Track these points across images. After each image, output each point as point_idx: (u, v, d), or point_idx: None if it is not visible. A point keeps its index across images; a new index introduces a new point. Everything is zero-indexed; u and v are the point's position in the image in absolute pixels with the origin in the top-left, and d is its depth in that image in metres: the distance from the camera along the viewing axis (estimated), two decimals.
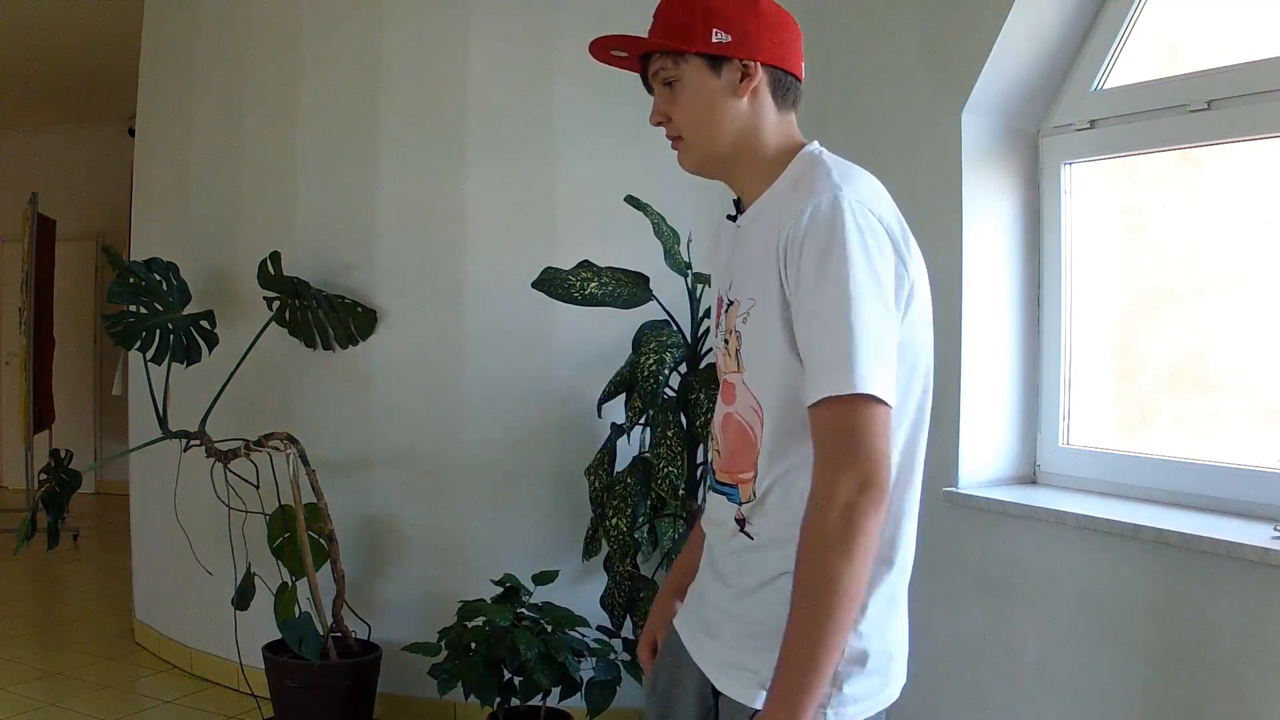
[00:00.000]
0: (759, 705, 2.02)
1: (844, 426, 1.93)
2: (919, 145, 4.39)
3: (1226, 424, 3.83)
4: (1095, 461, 4.06)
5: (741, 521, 2.17)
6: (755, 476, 2.14)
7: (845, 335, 1.92)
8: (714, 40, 2.10)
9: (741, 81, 2.15)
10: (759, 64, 2.16)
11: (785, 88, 2.22)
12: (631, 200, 4.23)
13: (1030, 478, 4.28)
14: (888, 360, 1.97)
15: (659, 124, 2.21)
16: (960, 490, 4.16)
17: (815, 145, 2.24)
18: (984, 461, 4.23)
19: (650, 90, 2.23)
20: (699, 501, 4.15)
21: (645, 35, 2.19)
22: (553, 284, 4.29)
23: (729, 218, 2.29)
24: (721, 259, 2.30)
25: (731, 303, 2.19)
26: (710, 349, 4.17)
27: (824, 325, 1.94)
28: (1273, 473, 3.47)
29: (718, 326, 2.27)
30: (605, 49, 2.22)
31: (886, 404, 1.96)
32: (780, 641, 1.97)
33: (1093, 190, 4.15)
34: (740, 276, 2.17)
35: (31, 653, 6.36)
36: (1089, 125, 4.05)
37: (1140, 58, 3.92)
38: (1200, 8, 3.85)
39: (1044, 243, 4.25)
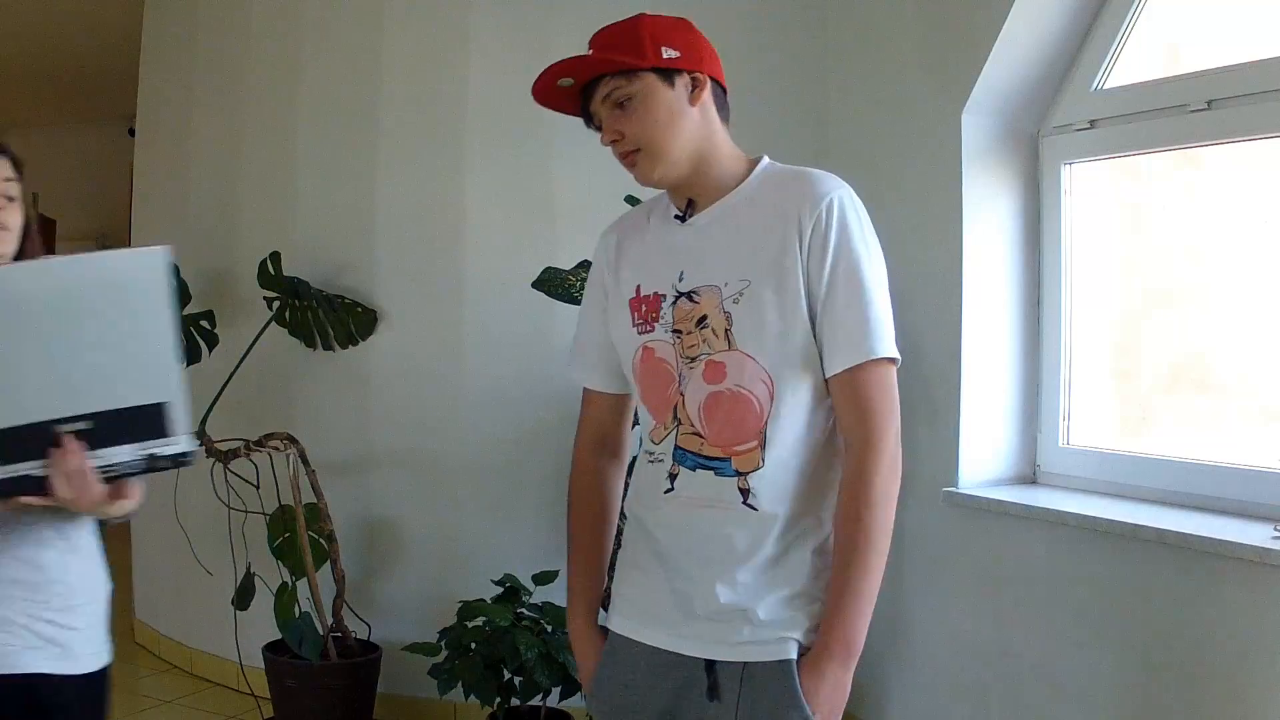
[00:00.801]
0: (793, 655, 2.22)
1: (887, 385, 2.23)
2: (919, 146, 4.40)
3: (1226, 424, 3.83)
4: (1095, 461, 4.06)
5: (745, 492, 2.26)
6: (762, 444, 2.25)
7: (880, 306, 2.22)
8: (665, 56, 2.24)
9: (693, 92, 2.30)
10: (706, 75, 2.31)
11: (722, 100, 2.39)
12: (632, 200, 4.22)
13: (1030, 478, 4.28)
14: (893, 327, 2.25)
15: (612, 142, 2.31)
16: (960, 490, 4.17)
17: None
18: (984, 462, 4.24)
19: (590, 123, 2.34)
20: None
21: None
22: (553, 284, 4.29)
23: (676, 217, 2.39)
24: (648, 256, 2.41)
25: (689, 292, 2.30)
26: None
27: (861, 299, 2.20)
28: (1273, 473, 3.47)
29: (652, 320, 2.35)
30: (549, 86, 2.30)
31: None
32: (798, 599, 2.24)
33: (1093, 190, 4.15)
34: (711, 265, 2.29)
35: None
36: (1089, 125, 4.05)
37: (1140, 58, 3.92)
38: (1200, 8, 3.85)
39: (1044, 243, 4.25)
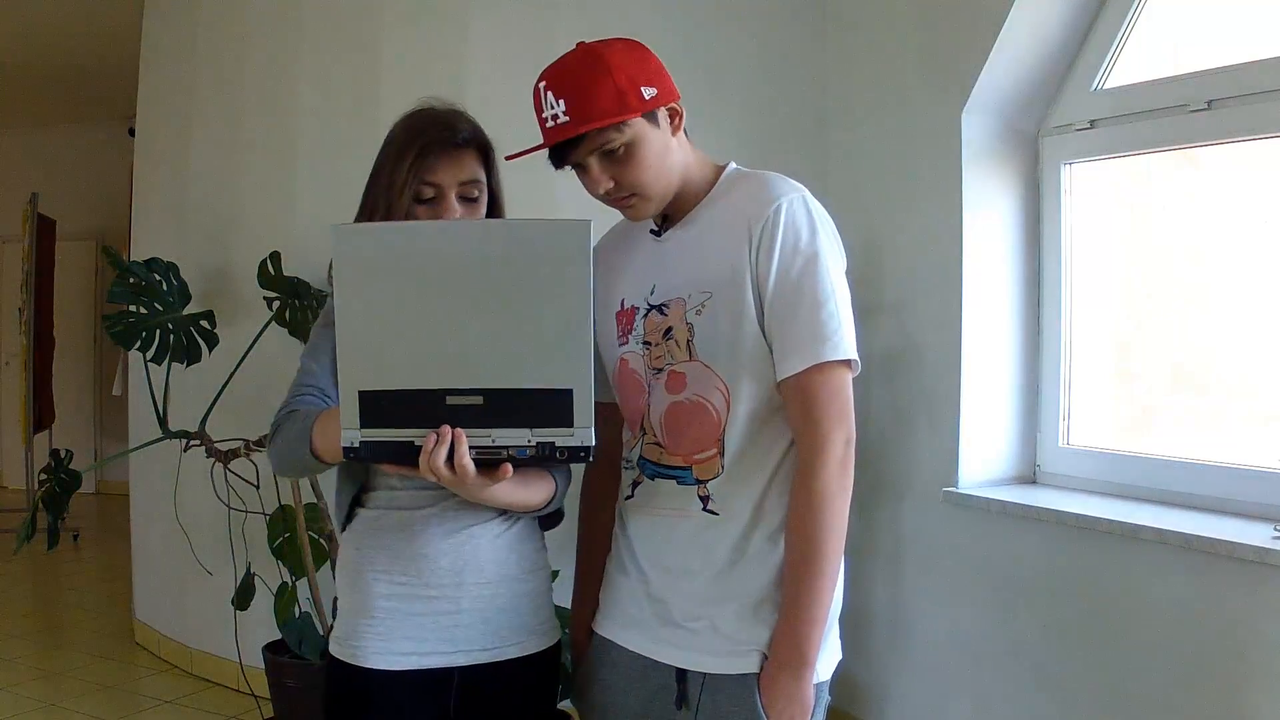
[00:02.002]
0: (755, 668, 2.21)
1: (834, 389, 2.18)
2: (919, 146, 4.40)
3: (1226, 424, 3.83)
4: (1095, 462, 4.06)
5: (705, 499, 2.27)
6: (720, 452, 2.26)
7: (831, 309, 2.18)
8: (647, 98, 2.19)
9: (673, 122, 2.29)
10: (677, 102, 2.28)
11: (683, 115, 2.33)
12: None
13: (1030, 478, 4.29)
14: (851, 330, 2.21)
15: (605, 192, 2.27)
16: (960, 490, 4.17)
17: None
18: (984, 461, 4.24)
19: (560, 165, 2.30)
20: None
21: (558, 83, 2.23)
22: None
23: (652, 232, 2.41)
24: (628, 270, 2.42)
25: (660, 305, 2.32)
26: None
27: (809, 301, 2.17)
28: (1272, 473, 3.48)
29: (628, 330, 2.37)
30: (548, 150, 2.28)
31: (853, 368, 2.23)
32: (762, 608, 2.23)
33: (1093, 190, 4.16)
34: (677, 277, 2.30)
35: (31, 652, 6.37)
36: (1089, 125, 4.05)
37: (1140, 58, 3.92)
38: (1200, 8, 3.85)
39: (1044, 242, 4.25)
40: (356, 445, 1.99)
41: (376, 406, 1.96)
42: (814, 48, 5.09)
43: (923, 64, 4.42)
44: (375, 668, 2.33)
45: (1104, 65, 4.00)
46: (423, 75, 5.22)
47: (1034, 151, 4.28)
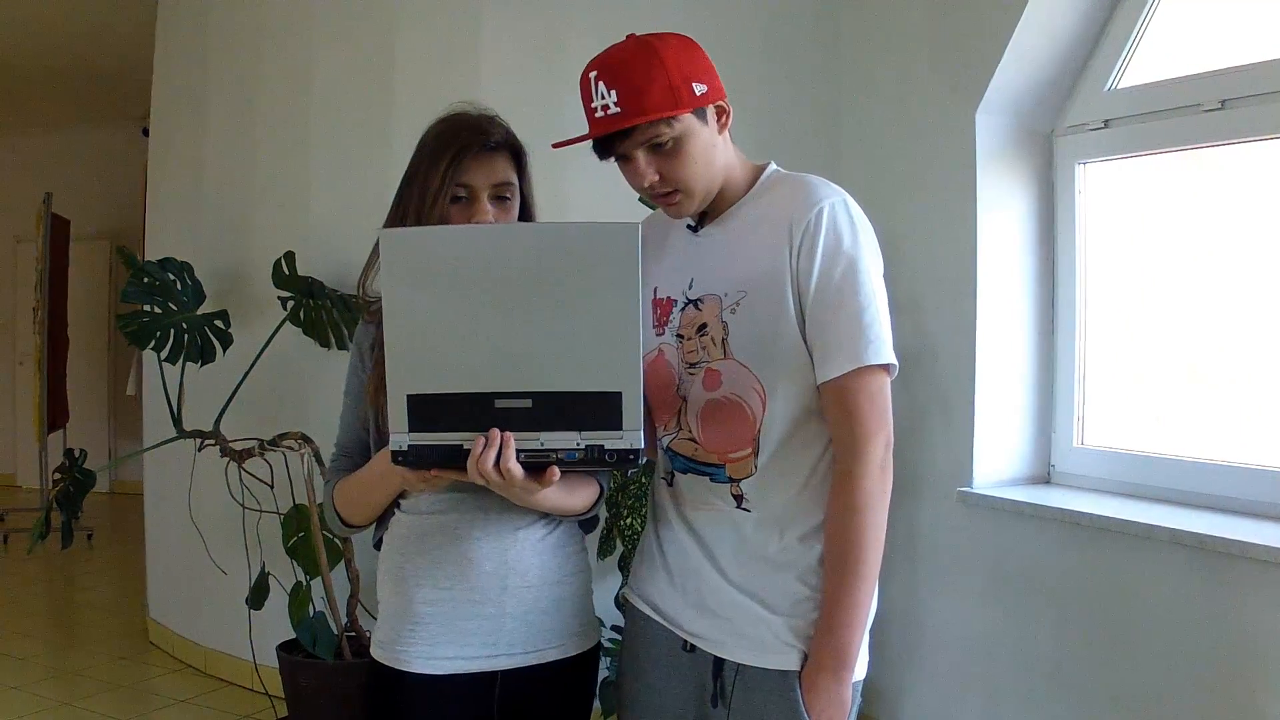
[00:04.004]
0: (795, 665, 2.22)
1: (874, 392, 2.18)
2: (933, 146, 4.40)
3: (1241, 424, 3.82)
4: (1109, 461, 4.06)
5: (739, 497, 2.27)
6: (755, 451, 2.25)
7: (871, 313, 2.17)
8: (698, 94, 2.19)
9: (720, 120, 2.28)
10: (725, 100, 2.28)
11: (730, 113, 2.32)
12: (648, 203, 4.22)
13: (1045, 478, 4.28)
14: (890, 334, 2.21)
15: (649, 185, 2.26)
16: (975, 490, 4.17)
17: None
18: (998, 462, 4.24)
19: (606, 157, 2.27)
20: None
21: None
22: None
23: (689, 227, 2.41)
24: (664, 264, 2.42)
25: (696, 300, 2.32)
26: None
27: (850, 305, 2.17)
28: None
29: (663, 323, 2.38)
30: (593, 140, 2.26)
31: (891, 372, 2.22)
32: (799, 607, 2.23)
33: (1107, 190, 4.15)
34: (714, 274, 2.31)
35: (45, 651, 6.40)
36: (1103, 125, 4.05)
37: (1154, 58, 3.92)
38: (1213, 8, 3.84)
39: (1058, 242, 4.25)
40: (405, 449, 2.00)
41: (425, 410, 1.98)
42: (828, 48, 5.09)
43: (937, 65, 4.42)
44: (419, 672, 2.35)
45: (1118, 65, 4.00)
46: (436, 75, 5.24)
47: (1048, 151, 4.28)
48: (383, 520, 2.46)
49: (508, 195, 2.38)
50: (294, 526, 4.86)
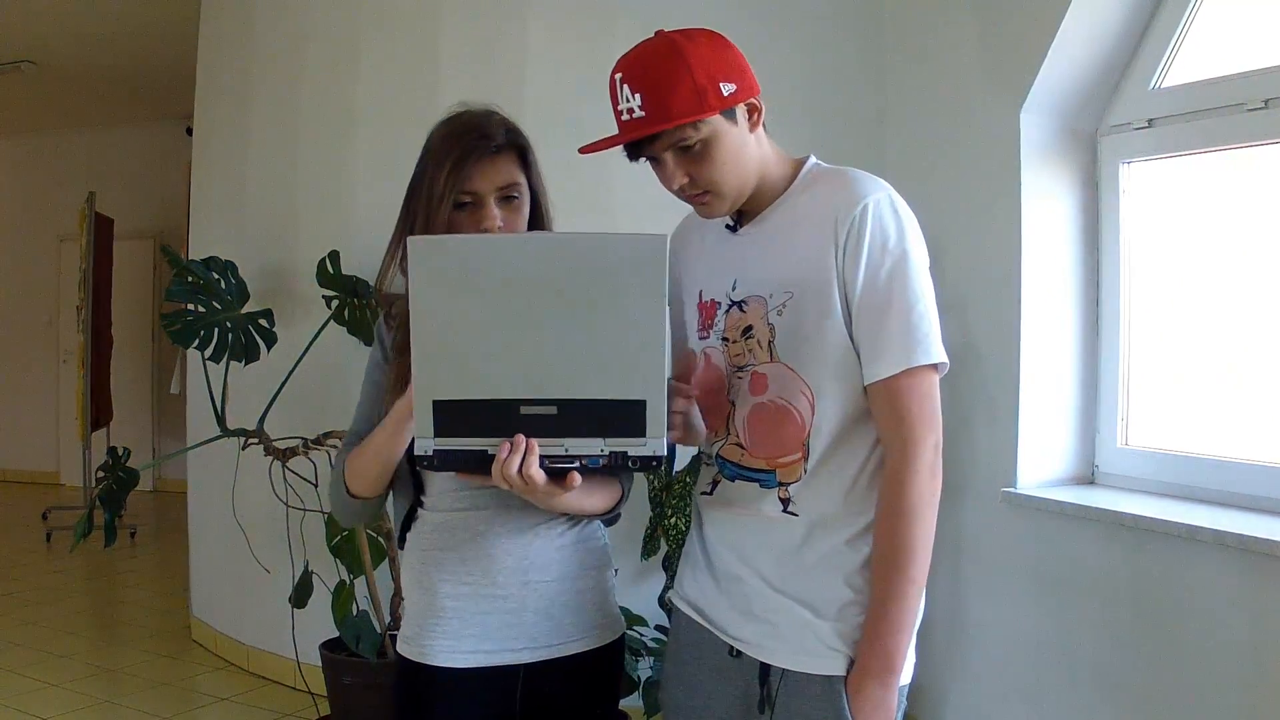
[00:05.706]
0: (841, 670, 2.19)
1: (925, 393, 2.16)
2: (977, 145, 4.39)
3: None
4: (1154, 462, 4.04)
5: (786, 501, 2.25)
6: (804, 456, 2.22)
7: (919, 312, 2.15)
8: (725, 95, 2.14)
9: (752, 118, 2.23)
10: (757, 98, 2.23)
11: (762, 110, 2.28)
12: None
13: (1089, 478, 4.27)
14: (939, 330, 2.18)
15: (679, 187, 2.23)
16: (1019, 491, 4.16)
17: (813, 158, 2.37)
18: (1042, 462, 4.23)
19: (635, 158, 2.25)
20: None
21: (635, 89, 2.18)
22: None
23: (727, 227, 2.38)
24: (705, 265, 2.40)
25: (740, 301, 2.30)
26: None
27: (899, 304, 2.14)
28: None
29: (709, 326, 2.36)
30: (621, 144, 2.24)
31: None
32: (847, 611, 2.20)
33: (1151, 189, 4.13)
34: (758, 274, 2.28)
35: (88, 649, 6.45)
36: (1147, 124, 4.03)
37: (1198, 56, 3.90)
38: (1257, 6, 3.82)
39: (1103, 242, 4.23)
40: (430, 453, 2.01)
41: (451, 416, 1.99)
42: (872, 48, 5.08)
43: (981, 64, 4.41)
44: (443, 665, 2.37)
45: (1161, 64, 3.98)
46: (480, 73, 5.24)
47: (1092, 151, 4.26)
48: (408, 520, 2.49)
49: (515, 195, 2.39)
50: (337, 525, 4.88)
